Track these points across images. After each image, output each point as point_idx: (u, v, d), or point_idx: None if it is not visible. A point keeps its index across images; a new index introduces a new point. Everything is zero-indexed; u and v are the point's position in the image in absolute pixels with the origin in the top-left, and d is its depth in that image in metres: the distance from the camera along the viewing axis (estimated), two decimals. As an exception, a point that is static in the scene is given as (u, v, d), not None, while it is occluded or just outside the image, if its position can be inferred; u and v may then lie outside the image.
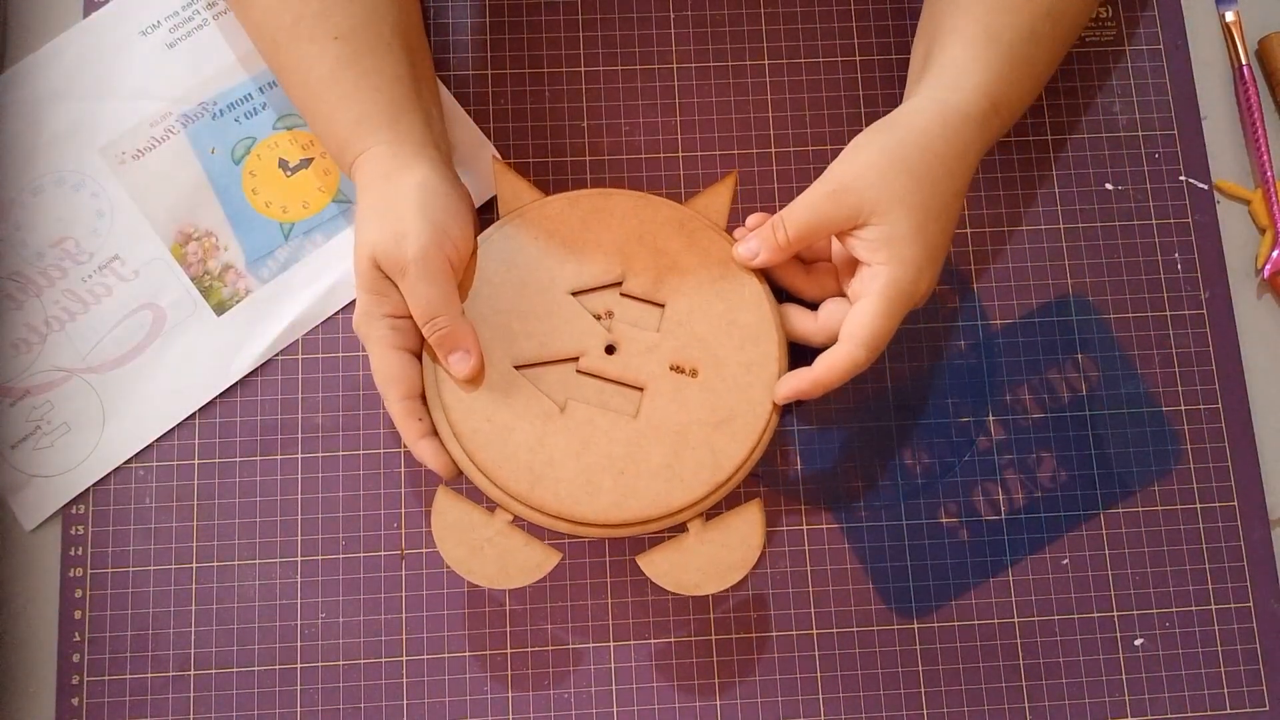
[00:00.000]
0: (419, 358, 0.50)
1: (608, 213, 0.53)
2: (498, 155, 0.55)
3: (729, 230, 0.53)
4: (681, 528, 0.50)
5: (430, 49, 0.58)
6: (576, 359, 0.51)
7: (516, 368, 0.50)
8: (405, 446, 0.51)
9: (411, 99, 0.52)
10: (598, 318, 0.51)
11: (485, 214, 0.58)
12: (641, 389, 0.50)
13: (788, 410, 0.56)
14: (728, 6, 0.62)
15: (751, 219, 0.53)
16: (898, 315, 0.49)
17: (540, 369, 0.50)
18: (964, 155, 0.50)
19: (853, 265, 0.50)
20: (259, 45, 0.54)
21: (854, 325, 0.48)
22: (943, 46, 0.52)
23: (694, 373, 0.51)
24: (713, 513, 0.50)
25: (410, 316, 0.49)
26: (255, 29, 0.54)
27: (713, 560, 0.49)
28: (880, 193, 0.48)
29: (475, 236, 0.51)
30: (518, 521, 0.49)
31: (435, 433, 0.49)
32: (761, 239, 0.51)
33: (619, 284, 0.52)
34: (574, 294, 0.51)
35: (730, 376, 0.50)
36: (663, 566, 0.49)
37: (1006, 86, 0.51)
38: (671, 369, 0.51)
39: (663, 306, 0.52)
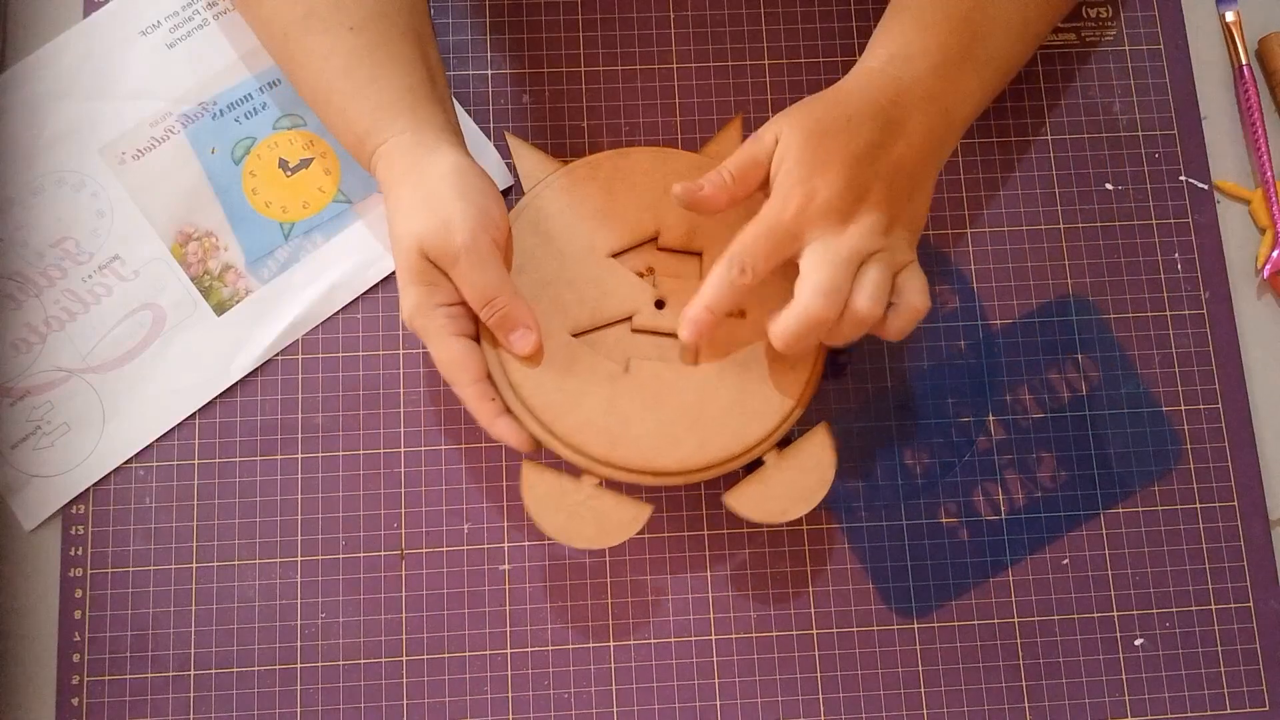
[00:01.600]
0: (477, 340, 0.50)
1: (629, 171, 0.54)
2: (512, 131, 0.56)
3: None
4: (758, 462, 0.51)
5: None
6: (630, 319, 0.52)
7: (574, 335, 0.51)
8: (481, 427, 0.50)
9: (428, 86, 0.52)
10: (640, 275, 0.52)
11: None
12: None
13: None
14: (728, 6, 0.62)
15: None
16: (768, 233, 0.47)
17: (597, 334, 0.52)
18: (858, 91, 0.50)
19: None
20: (266, 40, 0.54)
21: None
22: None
23: (742, 314, 0.52)
24: (784, 441, 0.52)
25: (463, 303, 0.49)
26: (263, 24, 0.54)
27: (793, 485, 0.50)
28: (780, 122, 0.49)
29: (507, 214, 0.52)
30: (604, 482, 0.50)
31: (509, 411, 0.50)
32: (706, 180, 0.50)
33: (654, 239, 0.53)
34: (613, 255, 0.52)
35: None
36: (750, 501, 0.50)
37: (904, 38, 0.51)
38: None
39: (700, 254, 0.53)
